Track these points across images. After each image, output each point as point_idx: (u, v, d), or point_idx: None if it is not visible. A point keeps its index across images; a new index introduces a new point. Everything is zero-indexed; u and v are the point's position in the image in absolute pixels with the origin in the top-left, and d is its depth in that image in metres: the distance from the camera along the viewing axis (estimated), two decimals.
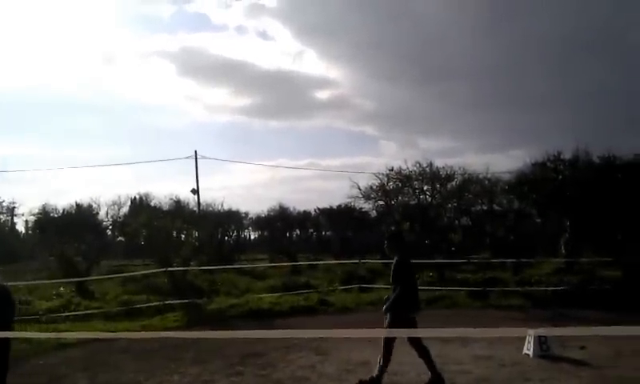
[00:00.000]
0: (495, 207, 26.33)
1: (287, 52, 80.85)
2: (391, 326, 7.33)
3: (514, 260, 16.90)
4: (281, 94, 77.90)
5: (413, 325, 7.32)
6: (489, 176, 26.18)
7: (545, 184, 21.51)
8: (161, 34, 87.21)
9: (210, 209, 34.93)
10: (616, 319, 11.37)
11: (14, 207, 40.41)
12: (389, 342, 7.37)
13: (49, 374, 8.84)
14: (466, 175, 26.16)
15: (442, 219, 25.43)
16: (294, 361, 8.98)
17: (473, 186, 26.31)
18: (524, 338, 8.72)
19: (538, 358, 8.34)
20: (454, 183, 26.44)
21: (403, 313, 7.27)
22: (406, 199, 27.18)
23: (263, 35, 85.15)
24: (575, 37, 60.16)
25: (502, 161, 77.43)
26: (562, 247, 18.15)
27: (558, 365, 8.03)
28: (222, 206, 35.87)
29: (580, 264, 16.94)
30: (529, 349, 8.54)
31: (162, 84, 79.48)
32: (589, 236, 18.25)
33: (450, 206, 26.18)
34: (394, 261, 7.47)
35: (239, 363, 8.95)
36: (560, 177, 21.79)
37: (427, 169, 26.34)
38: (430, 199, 26.35)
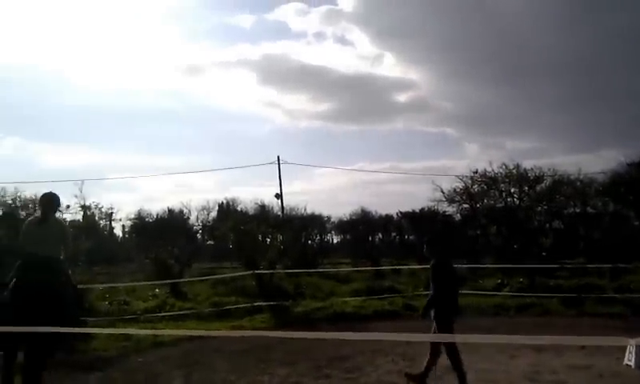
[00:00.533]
0: (589, 210, 25.13)
1: (365, 56, 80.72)
2: (441, 332, 7.25)
3: (611, 265, 16.00)
4: (360, 98, 77.86)
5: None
6: (581, 177, 25.05)
7: None
8: (242, 43, 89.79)
9: (294, 213, 35.67)
10: None
11: (112, 212, 43.13)
12: (452, 351, 7.29)
13: (146, 372, 9.32)
14: (557, 176, 25.18)
15: (532, 222, 24.61)
16: (380, 365, 8.97)
17: (564, 188, 25.26)
18: (624, 348, 8.24)
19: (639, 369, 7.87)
20: (543, 185, 25.51)
21: (446, 316, 7.30)
22: (492, 202, 26.51)
23: (341, 40, 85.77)
24: None
25: (593, 161, 73.42)
26: None
27: None
28: (305, 210, 36.52)
29: None
30: (630, 360, 8.06)
31: (244, 92, 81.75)
32: None
33: (539, 208, 25.28)
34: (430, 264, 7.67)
35: (326, 366, 9.04)
36: None
37: (514, 170, 25.61)
38: (517, 202, 25.56)
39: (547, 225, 24.97)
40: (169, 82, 79.75)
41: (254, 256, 18.02)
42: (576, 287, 15.17)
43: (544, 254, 19.29)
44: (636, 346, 7.94)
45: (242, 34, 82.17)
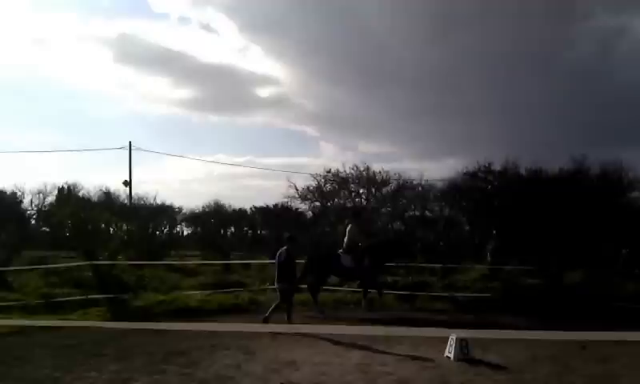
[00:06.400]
0: (427, 213, 27.06)
1: (231, 46, 79.80)
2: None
3: (442, 265, 17.32)
4: (222, 89, 76.92)
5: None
6: (422, 183, 26.93)
7: (475, 193, 22.24)
8: (99, 18, 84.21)
9: (142, 202, 34.10)
10: (535, 325, 11.91)
11: None
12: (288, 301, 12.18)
13: None
14: (401, 181, 26.84)
15: (377, 222, 25.93)
16: (219, 359, 8.85)
17: (407, 192, 27.01)
18: (447, 341, 8.95)
19: (458, 361, 8.57)
20: (389, 188, 27.06)
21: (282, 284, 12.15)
22: (342, 201, 27.56)
23: (207, 27, 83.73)
24: (514, 52, 62.54)
25: (436, 168, 79.51)
26: (488, 254, 18.77)
27: (476, 368, 8.27)
28: (154, 199, 35.05)
29: (504, 271, 17.59)
30: (450, 352, 8.77)
31: (98, 70, 76.74)
32: (514, 245, 18.98)
33: (384, 210, 26.76)
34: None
35: (162, 361, 8.73)
36: (489, 187, 22.61)
37: (364, 172, 26.86)
38: (365, 202, 26.84)
39: (390, 225, 26.45)
40: (13, 54, 72.34)
41: (93, 245, 16.86)
42: (410, 285, 16.18)
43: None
44: (455, 340, 8.68)
45: (98, 8, 77.10)
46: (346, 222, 15.67)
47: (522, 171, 21.51)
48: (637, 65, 65.35)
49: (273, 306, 12.02)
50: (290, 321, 11.73)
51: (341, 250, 14.81)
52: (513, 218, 18.94)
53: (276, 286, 12.34)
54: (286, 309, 11.93)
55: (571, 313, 13.23)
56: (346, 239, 14.88)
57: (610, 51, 64.76)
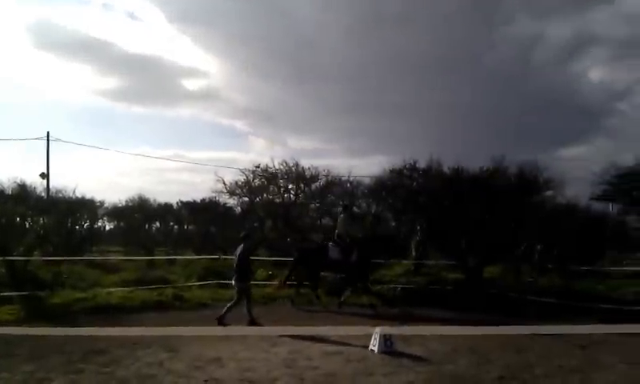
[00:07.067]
0: (355, 209, 27.40)
1: (158, 36, 77.34)
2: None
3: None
4: (147, 79, 74.31)
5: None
6: (351, 179, 27.24)
7: (400, 190, 22.72)
8: (16, 1, 79.45)
9: (61, 195, 32.49)
10: (456, 318, 12.38)
11: None
12: (247, 299, 11.91)
13: None
14: (330, 177, 27.01)
15: (305, 218, 25.99)
16: (140, 357, 8.61)
17: (335, 188, 27.22)
18: (371, 335, 9.13)
19: (382, 354, 8.76)
20: (318, 184, 27.16)
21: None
22: (271, 197, 27.41)
23: (132, 15, 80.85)
24: (438, 54, 64.49)
25: (365, 165, 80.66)
26: (413, 250, 19.24)
27: (399, 360, 8.48)
28: (74, 193, 33.45)
29: (427, 266, 18.10)
30: (374, 345, 8.96)
31: (16, 56, 72.30)
32: (437, 240, 19.54)
33: (312, 205, 26.86)
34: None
35: (80, 360, 8.41)
36: (414, 184, 23.17)
37: (293, 168, 26.80)
38: (294, 198, 26.82)
39: (318, 221, 26.58)
40: None
41: (6, 240, 15.90)
42: (338, 280, 16.36)
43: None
44: (380, 334, 8.87)
45: None
46: (339, 212, 16.86)
47: (445, 169, 22.12)
48: (552, 70, 69.12)
49: (227, 306, 11.72)
50: (252, 318, 11.49)
51: (330, 243, 15.24)
52: (436, 215, 19.48)
53: (233, 283, 12.16)
54: (246, 306, 11.70)
55: (489, 306, 13.84)
56: (337, 230, 15.51)
57: (528, 56, 68.07)
